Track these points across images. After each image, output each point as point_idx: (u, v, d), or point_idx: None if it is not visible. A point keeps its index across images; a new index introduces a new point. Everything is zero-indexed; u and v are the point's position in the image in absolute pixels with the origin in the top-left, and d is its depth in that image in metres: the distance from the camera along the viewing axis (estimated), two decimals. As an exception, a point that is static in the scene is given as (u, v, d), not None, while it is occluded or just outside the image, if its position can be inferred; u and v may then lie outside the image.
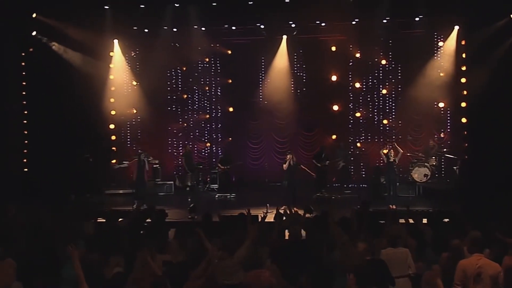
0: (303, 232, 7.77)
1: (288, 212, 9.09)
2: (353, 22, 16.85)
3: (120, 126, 18.32)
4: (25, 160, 16.45)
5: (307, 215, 9.51)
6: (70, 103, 15.79)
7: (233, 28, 17.77)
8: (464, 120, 16.33)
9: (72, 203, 12.81)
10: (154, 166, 17.21)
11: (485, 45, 14.95)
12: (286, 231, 7.80)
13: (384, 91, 18.24)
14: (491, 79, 14.48)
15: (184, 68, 19.07)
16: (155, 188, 16.76)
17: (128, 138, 18.93)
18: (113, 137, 18.16)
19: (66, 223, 7.93)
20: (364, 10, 15.97)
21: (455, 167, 16.16)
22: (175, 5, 16.20)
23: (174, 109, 19.27)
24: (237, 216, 8.84)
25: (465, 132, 16.38)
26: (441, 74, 17.01)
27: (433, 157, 16.46)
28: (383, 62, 18.03)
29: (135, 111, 18.37)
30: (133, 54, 18.53)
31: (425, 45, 17.37)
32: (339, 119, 18.48)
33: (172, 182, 17.40)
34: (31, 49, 16.33)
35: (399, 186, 15.07)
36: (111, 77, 17.73)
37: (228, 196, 16.28)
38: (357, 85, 18.31)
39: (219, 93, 19.36)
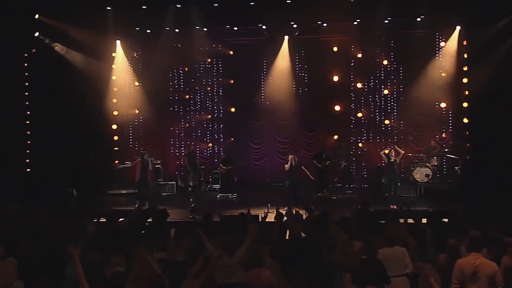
0: (303, 232, 7.83)
1: (289, 212, 9.11)
2: (355, 23, 16.89)
3: (123, 126, 18.38)
4: (27, 160, 16.49)
5: (308, 215, 9.55)
6: (72, 104, 15.82)
7: (235, 28, 17.84)
8: (465, 120, 16.33)
9: (73, 202, 12.82)
10: (156, 166, 17.26)
11: (487, 45, 14.94)
12: (287, 231, 7.87)
13: (385, 91, 18.26)
14: (493, 79, 14.48)
15: (186, 69, 19.13)
16: (157, 188, 16.81)
17: (131, 139, 18.98)
18: (116, 138, 18.20)
19: (67, 223, 7.97)
20: (366, 11, 15.96)
21: (456, 167, 16.14)
22: (177, 6, 16.26)
23: (176, 109, 19.33)
24: (237, 216, 8.88)
25: (467, 132, 16.37)
26: (443, 74, 17.04)
27: (435, 157, 16.47)
28: (385, 62, 18.05)
29: (137, 112, 18.44)
30: (135, 54, 18.61)
31: (426, 45, 17.41)
32: (341, 119, 18.52)
33: (174, 182, 17.45)
34: (33, 50, 16.36)
35: (401, 186, 15.10)
36: (114, 77, 17.82)
37: (230, 196, 16.32)
38: (359, 85, 18.34)
39: (221, 94, 19.38)
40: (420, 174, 15.82)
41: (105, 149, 17.48)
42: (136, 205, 13.03)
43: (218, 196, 16.61)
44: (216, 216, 9.40)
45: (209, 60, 19.05)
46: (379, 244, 6.83)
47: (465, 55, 16.32)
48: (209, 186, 17.78)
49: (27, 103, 16.53)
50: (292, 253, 6.22)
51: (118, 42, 17.70)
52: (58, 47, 16.60)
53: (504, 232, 7.24)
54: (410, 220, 8.80)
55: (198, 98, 19.45)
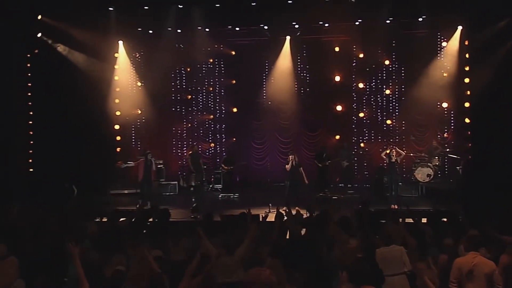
0: (303, 232, 7.87)
1: (289, 212, 9.14)
2: (357, 23, 16.92)
3: (125, 126, 18.41)
4: (30, 160, 16.59)
5: (309, 215, 9.58)
6: (75, 104, 15.89)
7: (237, 29, 17.90)
8: (467, 120, 16.34)
9: (73, 202, 12.88)
10: (159, 166, 17.32)
11: (488, 45, 14.95)
12: (287, 230, 7.90)
13: (387, 91, 18.24)
14: (495, 79, 14.49)
15: (188, 69, 19.15)
16: (159, 188, 16.85)
17: (133, 139, 19.03)
18: (118, 138, 18.25)
19: (69, 222, 8.03)
20: (367, 11, 16.01)
21: (458, 167, 16.14)
22: (179, 6, 16.32)
23: (178, 109, 19.36)
24: (238, 215, 8.92)
25: (468, 132, 16.37)
26: (445, 74, 17.04)
27: (436, 157, 16.47)
28: (387, 62, 18.05)
29: (139, 112, 18.49)
30: (137, 55, 18.64)
31: (428, 45, 17.42)
32: (343, 120, 18.52)
33: (176, 182, 17.49)
34: (36, 51, 16.47)
35: (402, 186, 15.12)
36: (116, 78, 17.85)
37: (232, 196, 16.36)
38: (361, 85, 18.34)
39: (223, 94, 19.41)
40: (422, 174, 15.82)
41: (107, 150, 17.50)
42: (138, 205, 13.09)
43: (220, 196, 16.65)
44: (217, 216, 9.45)
45: (211, 60, 19.09)
46: (378, 243, 6.88)
47: (467, 55, 16.33)
48: (211, 186, 17.81)
49: (30, 103, 16.64)
50: (292, 252, 6.25)
51: (120, 42, 17.75)
52: (60, 47, 16.69)
53: (504, 231, 7.25)
54: (411, 220, 8.82)
55: (200, 98, 19.47)
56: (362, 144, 18.52)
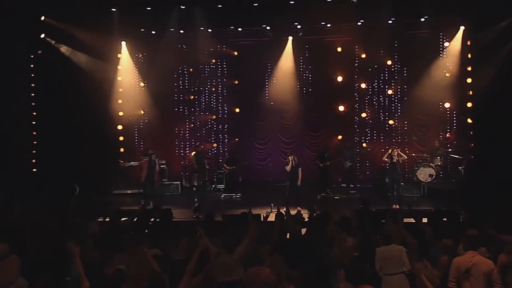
0: (303, 231, 7.91)
1: (288, 212, 9.17)
2: (359, 23, 16.94)
3: (128, 127, 18.47)
4: (34, 161, 16.68)
5: (310, 215, 9.61)
6: (78, 105, 15.98)
7: (239, 29, 17.95)
8: (469, 120, 16.35)
9: (74, 202, 12.95)
10: (161, 166, 17.37)
11: (491, 45, 14.95)
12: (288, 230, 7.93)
13: (389, 92, 18.25)
14: (497, 79, 14.50)
15: (191, 70, 19.20)
16: (162, 188, 16.90)
17: (136, 139, 19.09)
18: (121, 138, 18.31)
19: (70, 222, 8.08)
20: (370, 11, 16.01)
21: (460, 167, 16.14)
22: (181, 7, 16.38)
23: (181, 110, 19.41)
24: (239, 215, 8.96)
25: (471, 133, 16.37)
26: (447, 75, 17.03)
27: (438, 157, 16.47)
28: (389, 62, 18.05)
29: (142, 112, 18.56)
30: (140, 55, 18.70)
31: (430, 45, 17.41)
32: (345, 120, 18.53)
33: (178, 182, 17.54)
34: (39, 52, 16.55)
35: (404, 186, 15.12)
36: (119, 78, 17.92)
37: (234, 196, 16.41)
38: (363, 85, 18.36)
39: (225, 94, 19.46)
40: (424, 174, 15.82)
41: (110, 150, 17.56)
42: (140, 205, 13.14)
43: (222, 196, 16.70)
44: (218, 216, 9.50)
45: (214, 61, 19.15)
46: (378, 243, 6.91)
47: (469, 55, 16.34)
48: (213, 186, 17.86)
49: (33, 104, 16.72)
50: (291, 251, 6.29)
51: (123, 43, 17.81)
52: (63, 48, 16.75)
53: (505, 231, 7.26)
54: (412, 220, 8.84)
55: (203, 99, 19.51)
56: (364, 144, 18.53)
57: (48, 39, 16.58)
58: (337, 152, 17.35)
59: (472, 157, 15.95)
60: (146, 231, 8.58)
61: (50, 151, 15.97)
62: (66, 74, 16.21)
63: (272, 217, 9.35)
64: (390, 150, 14.36)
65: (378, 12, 16.02)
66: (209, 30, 17.50)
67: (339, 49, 17.98)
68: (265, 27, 17.64)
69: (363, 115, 18.50)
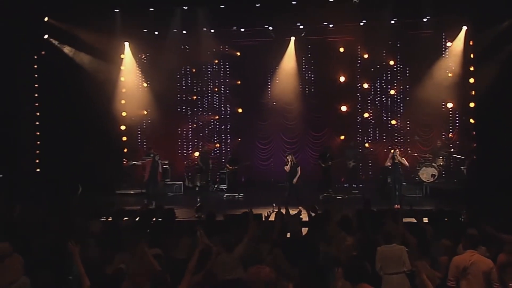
0: (304, 231, 7.95)
1: (288, 212, 9.19)
2: (361, 23, 16.95)
3: (131, 127, 18.53)
4: (37, 161, 16.77)
5: (312, 215, 9.63)
6: (81, 105, 16.06)
7: (242, 30, 18.01)
8: (472, 120, 16.35)
9: (75, 202, 13.01)
10: (164, 166, 17.42)
11: (493, 45, 14.97)
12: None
13: (392, 92, 18.27)
14: (499, 79, 14.50)
15: (194, 70, 19.23)
16: (164, 188, 16.95)
17: (139, 139, 19.15)
18: (124, 138, 18.37)
19: (70, 221, 8.14)
20: (372, 11, 16.03)
21: (462, 167, 16.13)
22: (184, 7, 16.44)
23: (184, 110, 19.46)
24: (241, 215, 8.99)
25: (473, 133, 16.37)
26: (449, 75, 17.03)
27: (441, 157, 16.47)
28: (391, 62, 18.07)
29: (145, 113, 18.62)
30: (143, 56, 18.76)
31: (433, 45, 17.42)
32: (348, 120, 18.55)
33: (181, 182, 17.58)
34: (43, 52, 16.67)
35: (407, 186, 15.09)
36: (122, 79, 18.00)
37: (236, 196, 16.44)
38: (365, 85, 18.37)
39: (228, 94, 19.49)
40: (426, 174, 15.81)
41: (114, 150, 17.62)
42: (143, 205, 13.16)
43: (225, 196, 16.73)
44: (220, 216, 9.54)
45: (216, 61, 19.19)
46: (378, 242, 6.94)
47: (472, 55, 16.35)
48: (216, 186, 17.90)
49: (37, 104, 16.84)
50: (291, 250, 6.33)
51: (126, 44, 17.88)
52: (67, 49, 16.85)
53: (506, 231, 7.26)
54: (413, 220, 8.85)
55: (206, 99, 19.55)
56: (366, 145, 18.55)
57: (51, 40, 16.69)
58: (339, 152, 17.37)
59: (474, 157, 15.96)
60: (148, 230, 8.62)
61: (54, 151, 16.05)
62: (70, 74, 16.32)
63: (273, 217, 9.39)
64: (392, 151, 14.37)
65: (380, 12, 16.05)
66: (212, 31, 17.54)
67: (341, 49, 18.04)
68: (268, 27, 17.69)
69: (366, 115, 18.52)
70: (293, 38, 18.09)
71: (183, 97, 19.33)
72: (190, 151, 19.34)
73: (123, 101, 17.88)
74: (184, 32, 17.68)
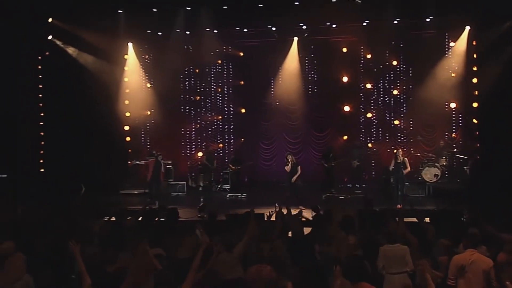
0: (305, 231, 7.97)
1: (289, 212, 9.22)
2: (364, 24, 16.97)
3: (135, 127, 18.59)
4: (41, 161, 16.87)
5: (314, 215, 9.66)
6: (85, 105, 16.15)
7: (245, 30, 18.07)
8: (475, 120, 16.34)
9: (77, 202, 13.07)
10: (167, 166, 17.50)
11: (496, 45, 14.98)
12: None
13: (395, 92, 18.26)
14: (502, 79, 14.50)
15: (197, 70, 19.28)
16: (168, 188, 17.02)
17: (142, 139, 19.21)
18: (128, 139, 18.44)
19: (74, 221, 8.21)
20: (375, 12, 16.06)
21: (465, 167, 16.11)
22: (187, 8, 16.50)
23: (187, 110, 19.52)
24: (242, 214, 9.03)
25: (477, 133, 16.36)
26: (452, 75, 17.04)
27: (444, 157, 16.45)
28: (394, 63, 18.07)
29: (149, 113, 18.68)
30: (146, 57, 18.84)
31: (436, 45, 17.43)
32: (351, 120, 18.56)
33: (184, 182, 17.63)
34: (47, 53, 16.78)
35: (410, 186, 15.11)
36: (126, 79, 18.06)
37: (239, 196, 16.47)
38: (368, 85, 18.38)
39: (231, 95, 19.53)
40: (429, 174, 15.80)
41: (117, 150, 17.69)
42: (145, 205, 13.21)
43: (228, 196, 16.78)
44: (222, 215, 9.58)
45: (220, 61, 19.26)
46: (380, 241, 6.96)
47: (475, 55, 16.35)
48: (219, 186, 17.94)
49: (41, 104, 16.94)
50: (291, 249, 6.36)
51: (130, 44, 17.95)
52: (71, 50, 16.94)
53: (509, 231, 7.26)
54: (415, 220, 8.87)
55: (209, 99, 19.60)
56: (370, 145, 18.54)
57: (55, 41, 16.79)
58: (343, 152, 17.37)
59: (477, 157, 15.94)
60: (150, 230, 8.66)
61: (58, 151, 16.14)
62: (73, 75, 16.42)
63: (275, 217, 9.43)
64: (395, 151, 14.39)
65: (383, 12, 16.07)
66: (215, 31, 17.58)
67: (344, 50, 18.05)
68: (271, 28, 17.75)
69: (369, 115, 18.53)
70: (296, 39, 18.12)
71: (187, 97, 19.38)
72: (194, 151, 19.38)
73: (126, 102, 17.95)
74: (188, 32, 17.76)
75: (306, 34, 18.00)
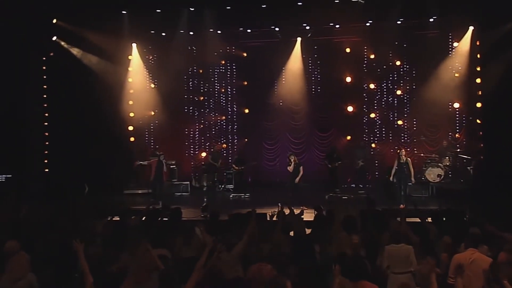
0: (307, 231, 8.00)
1: (291, 212, 9.26)
2: (367, 24, 17.00)
3: (139, 128, 18.67)
4: (46, 161, 16.95)
5: (317, 214, 9.68)
6: (89, 106, 16.24)
7: (248, 31, 18.12)
8: (478, 120, 16.32)
9: (80, 202, 13.16)
10: (171, 166, 17.56)
11: (500, 45, 14.94)
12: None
13: (398, 92, 18.25)
14: (506, 79, 14.47)
15: (201, 71, 19.32)
16: (171, 188, 17.08)
17: (146, 139, 19.28)
18: (132, 139, 18.51)
19: (77, 221, 8.27)
20: (378, 12, 16.09)
21: (469, 168, 16.10)
22: (191, 9, 16.56)
23: (191, 110, 19.57)
24: (244, 214, 9.06)
25: (480, 133, 16.34)
26: (456, 75, 17.01)
27: (447, 158, 16.44)
28: (398, 63, 18.04)
29: (153, 113, 18.75)
30: (150, 57, 18.91)
31: (439, 45, 17.39)
32: (354, 120, 18.57)
33: (188, 183, 17.68)
34: (51, 54, 16.85)
35: (413, 186, 15.08)
36: (130, 80, 18.16)
37: (243, 196, 16.51)
38: (372, 86, 18.38)
39: (235, 95, 19.57)
40: (433, 174, 15.80)
41: (122, 150, 17.76)
42: (148, 204, 13.27)
43: (231, 196, 16.82)
44: (225, 215, 9.62)
45: (223, 62, 19.29)
46: (384, 241, 6.99)
47: (478, 55, 16.31)
48: (222, 186, 17.99)
49: (45, 105, 17.01)
50: (292, 248, 6.39)
51: (134, 45, 18.03)
52: (75, 50, 17.03)
53: (510, 230, 7.27)
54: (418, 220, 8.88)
55: (213, 100, 19.64)
56: (373, 145, 18.54)
57: (60, 42, 16.87)
58: (346, 153, 17.38)
59: (481, 157, 15.92)
60: (154, 229, 8.70)
61: (62, 152, 16.22)
62: (78, 76, 16.51)
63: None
64: (398, 151, 14.39)
65: (386, 12, 16.08)
66: (218, 32, 17.67)
67: (347, 50, 18.04)
68: (274, 28, 17.77)
69: (372, 115, 18.51)
70: (299, 39, 18.14)
71: (190, 97, 19.42)
72: (197, 152, 19.44)
73: (130, 102, 18.05)
74: (191, 33, 17.83)
75: (309, 35, 18.01)
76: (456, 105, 17.46)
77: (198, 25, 17.22)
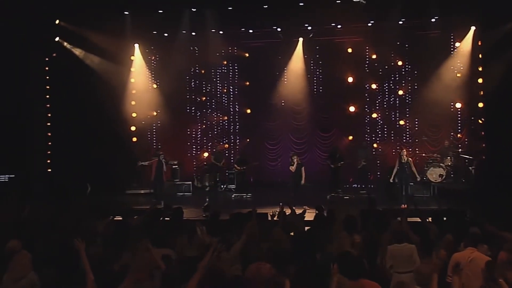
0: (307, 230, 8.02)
1: (293, 211, 9.28)
2: (369, 24, 17.01)
3: (141, 128, 18.72)
4: (48, 161, 17.02)
5: (318, 214, 9.70)
6: (92, 106, 16.28)
7: (250, 31, 18.16)
8: (480, 120, 16.31)
9: (81, 201, 13.23)
10: (173, 166, 17.60)
11: (502, 45, 14.90)
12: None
13: (400, 92, 18.27)
14: (508, 79, 14.45)
15: (203, 71, 19.37)
16: (173, 188, 17.11)
17: (149, 140, 19.32)
18: (134, 139, 18.56)
19: (79, 220, 8.31)
20: (380, 12, 16.08)
21: (471, 168, 16.09)
22: (192, 9, 16.60)
23: (193, 111, 19.62)
24: (245, 214, 9.08)
25: (482, 133, 16.33)
26: (458, 75, 17.03)
27: (449, 158, 16.44)
28: (399, 63, 18.07)
29: (155, 114, 18.80)
30: (153, 57, 18.97)
31: (441, 46, 17.41)
32: (356, 120, 18.59)
33: (190, 183, 17.71)
34: (54, 54, 16.93)
35: (414, 186, 15.09)
36: (132, 80, 18.21)
37: (244, 196, 16.54)
38: (373, 86, 18.39)
39: (237, 95, 19.61)
40: (434, 174, 15.81)
41: (124, 150, 17.80)
42: (151, 204, 13.32)
43: (233, 196, 16.86)
44: (226, 215, 9.65)
45: (225, 62, 19.34)
46: (386, 241, 7.00)
47: (480, 55, 16.30)
48: (224, 186, 18.02)
49: (48, 105, 17.08)
50: (293, 248, 6.41)
51: (136, 45, 18.09)
52: (77, 51, 17.09)
53: (510, 229, 7.28)
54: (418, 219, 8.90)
55: (215, 100, 19.68)
56: (375, 145, 18.55)
57: (62, 42, 16.94)
58: (348, 153, 17.39)
59: (483, 157, 15.90)
60: (155, 229, 8.73)
61: (65, 152, 16.28)
62: (80, 76, 16.56)
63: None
64: (400, 151, 14.40)
65: (388, 13, 16.08)
66: (220, 32, 17.71)
67: (349, 50, 18.07)
68: (276, 28, 17.80)
69: (374, 115, 18.54)
70: (301, 39, 18.19)
71: (192, 98, 19.49)
72: (199, 152, 19.48)
73: (133, 102, 18.12)
74: (193, 33, 17.90)
75: (311, 35, 18.05)
76: (458, 105, 17.47)
77: (200, 25, 17.26)
